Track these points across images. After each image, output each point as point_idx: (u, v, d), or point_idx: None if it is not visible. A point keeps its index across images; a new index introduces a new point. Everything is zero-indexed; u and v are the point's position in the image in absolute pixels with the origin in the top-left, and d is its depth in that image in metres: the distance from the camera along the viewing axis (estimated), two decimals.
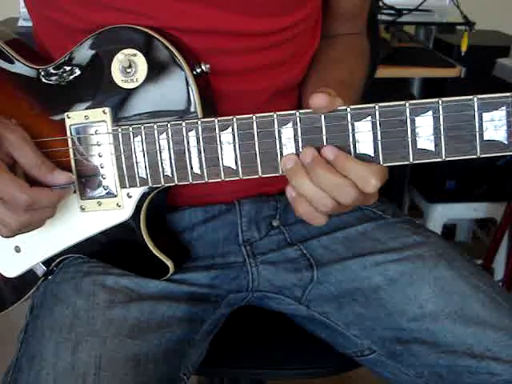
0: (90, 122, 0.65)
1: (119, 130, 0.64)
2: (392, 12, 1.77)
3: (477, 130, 0.53)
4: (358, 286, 0.75)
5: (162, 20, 0.65)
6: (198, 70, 0.63)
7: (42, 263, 0.72)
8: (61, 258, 0.72)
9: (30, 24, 0.81)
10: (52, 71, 0.67)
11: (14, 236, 0.64)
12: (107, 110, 0.64)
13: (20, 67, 0.69)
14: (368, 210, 0.81)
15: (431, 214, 1.96)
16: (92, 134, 0.65)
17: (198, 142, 0.60)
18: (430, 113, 0.54)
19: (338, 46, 0.84)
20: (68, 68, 0.66)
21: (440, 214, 1.96)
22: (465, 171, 1.88)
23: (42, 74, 0.68)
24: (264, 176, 0.59)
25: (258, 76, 0.73)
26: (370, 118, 0.55)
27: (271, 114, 0.58)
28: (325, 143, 0.57)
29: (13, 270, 0.73)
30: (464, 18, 1.67)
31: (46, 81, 0.68)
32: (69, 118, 0.66)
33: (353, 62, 0.82)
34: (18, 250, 0.71)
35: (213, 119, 0.60)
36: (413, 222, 0.82)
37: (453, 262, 0.74)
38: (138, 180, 0.64)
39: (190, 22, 0.66)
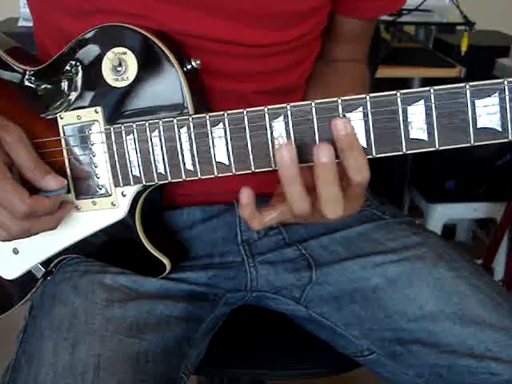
0: (82, 122, 0.65)
1: (111, 128, 0.63)
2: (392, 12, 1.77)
3: (470, 117, 0.52)
4: (357, 286, 0.75)
5: (162, 23, 0.65)
6: (189, 67, 0.62)
7: (41, 264, 0.72)
8: (59, 259, 0.72)
9: (30, 24, 0.82)
10: (43, 72, 0.67)
11: (11, 240, 0.64)
12: (99, 109, 0.64)
13: (11, 69, 0.69)
14: (367, 211, 0.81)
15: (431, 214, 1.96)
16: (85, 134, 0.65)
17: (189, 139, 0.60)
18: (422, 101, 0.53)
19: (347, 75, 0.84)
20: (59, 68, 0.66)
21: (440, 214, 1.96)
22: (465, 171, 1.88)
23: (34, 75, 0.68)
24: (257, 171, 0.59)
25: (256, 79, 0.73)
26: (361, 108, 0.54)
27: (262, 107, 0.57)
28: (316, 135, 0.56)
29: (11, 272, 0.73)
30: (464, 18, 1.67)
31: (37, 82, 0.68)
32: (61, 118, 0.66)
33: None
34: (15, 251, 0.71)
35: (204, 115, 0.59)
36: (412, 222, 0.81)
37: (453, 263, 0.73)
38: (131, 178, 0.64)
39: (191, 27, 0.66)
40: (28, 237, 0.64)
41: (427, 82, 1.81)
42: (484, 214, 2.00)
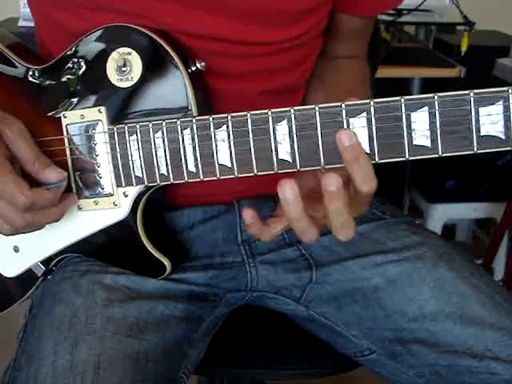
0: (86, 122, 0.65)
1: (115, 128, 0.63)
2: (392, 12, 1.77)
3: (473, 125, 0.52)
4: (357, 286, 0.75)
5: (162, 22, 0.65)
6: (193, 68, 0.62)
7: (41, 263, 0.73)
8: (59, 258, 0.72)
9: (30, 24, 0.82)
10: (48, 71, 0.68)
11: (15, 234, 0.64)
12: (103, 109, 0.64)
13: (16, 67, 0.69)
14: (368, 211, 0.81)
15: (431, 214, 1.96)
16: (88, 134, 0.65)
17: (192, 140, 0.60)
18: (426, 108, 0.53)
19: (348, 72, 0.84)
20: (64, 67, 0.66)
21: (440, 214, 1.96)
22: (465, 171, 1.88)
23: (38, 73, 0.68)
24: (260, 174, 0.59)
25: (257, 78, 0.73)
26: (365, 114, 0.54)
27: (265, 111, 0.57)
28: (320, 140, 0.56)
29: (12, 270, 0.73)
30: (464, 18, 1.67)
31: (41, 80, 0.68)
32: (65, 117, 0.66)
33: (361, 92, 0.82)
34: (16, 249, 0.71)
35: (207, 117, 0.59)
36: (412, 222, 0.81)
37: (453, 262, 0.73)
38: (133, 179, 0.64)
39: (191, 26, 0.66)
40: (33, 231, 0.64)
41: (427, 81, 1.81)
42: (484, 214, 2.00)
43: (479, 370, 0.67)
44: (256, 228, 0.59)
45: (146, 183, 0.64)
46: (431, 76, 1.71)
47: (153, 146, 0.62)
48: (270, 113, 0.57)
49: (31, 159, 0.62)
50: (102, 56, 0.64)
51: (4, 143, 0.61)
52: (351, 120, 0.55)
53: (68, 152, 0.66)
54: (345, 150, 0.54)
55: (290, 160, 0.58)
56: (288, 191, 0.54)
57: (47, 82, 0.68)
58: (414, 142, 0.54)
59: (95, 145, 0.65)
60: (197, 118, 0.60)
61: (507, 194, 1.78)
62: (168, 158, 0.61)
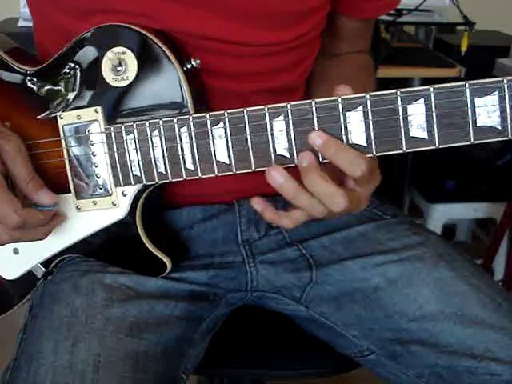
0: (82, 122, 0.65)
1: (111, 128, 0.63)
2: (392, 12, 1.76)
3: (469, 116, 0.52)
4: (357, 286, 0.75)
5: (162, 22, 0.65)
6: (189, 66, 0.63)
7: (41, 264, 0.72)
8: (59, 259, 0.72)
9: (30, 24, 0.82)
10: (43, 72, 0.67)
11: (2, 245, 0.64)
12: (99, 109, 0.64)
13: (11, 70, 0.69)
14: (368, 211, 0.81)
15: (431, 214, 1.95)
16: (85, 134, 0.65)
17: (190, 138, 0.60)
18: (422, 100, 0.53)
19: (347, 64, 0.84)
20: (59, 68, 0.66)
21: (440, 214, 1.96)
22: (465, 171, 1.88)
23: (33, 75, 0.68)
24: (258, 170, 0.59)
25: (255, 78, 0.73)
26: (361, 107, 0.55)
27: (262, 107, 0.57)
28: None
29: (12, 272, 0.73)
30: (464, 18, 1.67)
31: (37, 82, 0.68)
32: (61, 118, 0.66)
33: (363, 78, 0.82)
34: (16, 251, 0.71)
35: (204, 114, 0.59)
36: (413, 222, 0.82)
37: (453, 263, 0.73)
38: (132, 178, 0.64)
39: (191, 26, 0.67)
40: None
41: (427, 82, 1.80)
42: (484, 214, 2.00)
43: (479, 371, 0.67)
44: (270, 214, 0.59)
45: (144, 182, 0.64)
46: (431, 76, 1.71)
47: (150, 144, 0.62)
48: (266, 109, 0.57)
49: (26, 178, 0.62)
50: (97, 56, 0.64)
51: (1, 159, 0.61)
52: (348, 114, 0.55)
53: (65, 153, 0.66)
54: (321, 148, 0.55)
55: (288, 155, 0.58)
56: (277, 177, 0.56)
57: (42, 84, 0.67)
58: (411, 134, 0.54)
59: (92, 145, 0.65)
60: (194, 115, 0.60)
61: (507, 193, 1.78)
62: (166, 156, 0.61)
